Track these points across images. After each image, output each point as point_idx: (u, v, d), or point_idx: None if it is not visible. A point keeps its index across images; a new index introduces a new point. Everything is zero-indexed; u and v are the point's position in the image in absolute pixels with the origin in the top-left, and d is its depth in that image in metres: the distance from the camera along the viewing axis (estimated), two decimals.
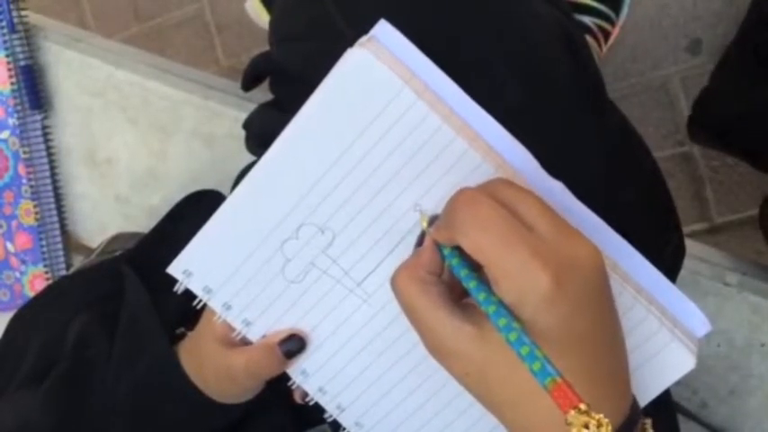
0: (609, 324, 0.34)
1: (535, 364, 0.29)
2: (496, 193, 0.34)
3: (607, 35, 1.02)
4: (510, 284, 0.32)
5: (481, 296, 0.33)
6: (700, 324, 0.40)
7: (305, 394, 0.45)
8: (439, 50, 0.38)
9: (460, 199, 0.34)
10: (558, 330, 0.32)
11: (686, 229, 0.54)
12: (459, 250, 0.34)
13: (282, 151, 0.39)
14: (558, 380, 0.29)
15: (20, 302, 0.80)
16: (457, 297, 0.36)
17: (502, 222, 0.32)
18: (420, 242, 0.39)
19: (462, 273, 0.34)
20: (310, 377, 0.44)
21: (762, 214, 0.86)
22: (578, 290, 0.32)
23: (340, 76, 0.38)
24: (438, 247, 0.36)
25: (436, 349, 0.35)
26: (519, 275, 0.31)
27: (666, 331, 0.38)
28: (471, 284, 0.33)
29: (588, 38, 0.99)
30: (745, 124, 0.85)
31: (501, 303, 0.32)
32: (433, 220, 0.38)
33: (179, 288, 0.43)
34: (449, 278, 0.36)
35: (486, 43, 0.43)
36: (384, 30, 0.38)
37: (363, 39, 0.38)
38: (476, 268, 0.34)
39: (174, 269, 0.42)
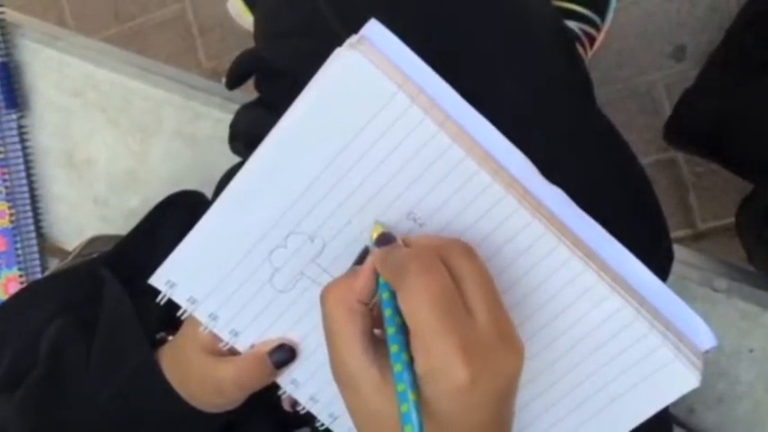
0: (504, 425, 0.34)
1: None
2: (452, 263, 0.34)
3: (592, 40, 1.02)
4: (428, 362, 0.32)
5: (394, 348, 0.32)
6: (705, 338, 0.39)
7: (294, 402, 0.44)
8: (438, 50, 0.37)
9: (418, 261, 0.33)
10: (458, 422, 0.32)
11: (671, 236, 0.54)
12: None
13: (268, 157, 0.38)
14: None
15: None
16: (380, 326, 0.35)
17: (446, 303, 0.32)
18: (362, 258, 0.38)
19: (387, 312, 0.34)
20: (301, 386, 0.43)
21: (738, 221, 0.86)
22: (491, 393, 0.32)
23: (328, 78, 0.36)
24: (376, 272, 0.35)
25: (338, 377, 0.35)
26: (440, 359, 0.31)
27: (670, 347, 0.37)
28: (390, 330, 0.33)
29: None
30: (727, 124, 0.85)
31: (409, 366, 0.32)
32: (384, 240, 0.37)
33: (162, 299, 0.41)
34: (378, 309, 0.36)
35: (489, 41, 0.42)
36: (375, 29, 0.36)
37: (353, 39, 0.36)
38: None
39: (156, 280, 0.41)
